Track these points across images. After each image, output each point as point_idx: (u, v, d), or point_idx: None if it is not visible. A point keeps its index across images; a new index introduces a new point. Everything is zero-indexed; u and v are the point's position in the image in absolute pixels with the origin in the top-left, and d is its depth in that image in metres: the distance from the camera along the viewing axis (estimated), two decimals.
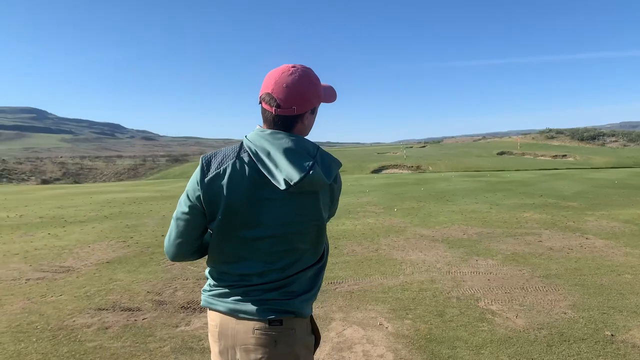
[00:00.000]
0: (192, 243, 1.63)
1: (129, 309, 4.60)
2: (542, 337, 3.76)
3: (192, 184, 1.57)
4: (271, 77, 1.58)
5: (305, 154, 1.52)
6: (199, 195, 1.54)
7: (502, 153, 75.85)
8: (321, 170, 1.53)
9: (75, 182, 60.63)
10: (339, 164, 1.63)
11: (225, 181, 1.52)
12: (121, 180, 64.65)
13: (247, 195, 1.52)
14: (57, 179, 69.28)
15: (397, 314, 4.35)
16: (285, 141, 1.53)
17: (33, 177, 69.60)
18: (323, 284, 5.23)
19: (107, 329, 4.10)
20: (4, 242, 8.33)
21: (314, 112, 1.65)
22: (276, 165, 1.49)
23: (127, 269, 6.16)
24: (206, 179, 1.54)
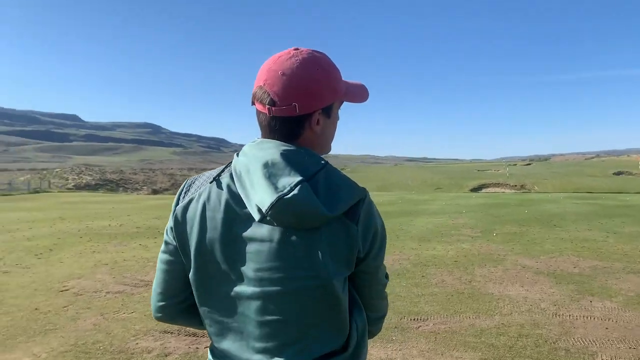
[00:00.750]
0: (174, 297, 1.17)
1: (194, 335, 4.35)
2: None
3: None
4: (265, 66, 1.11)
5: (294, 170, 1.02)
6: (172, 227, 1.12)
7: (619, 173, 69.08)
8: (317, 196, 1.00)
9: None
10: (359, 193, 1.06)
11: (197, 210, 1.09)
12: None
13: (223, 231, 1.06)
14: (166, 189, 74.37)
15: None
16: (271, 152, 1.04)
17: (145, 187, 75.44)
18: (405, 319, 4.63)
19: (166, 356, 3.86)
20: (99, 251, 8.68)
21: (329, 113, 1.14)
22: (252, 187, 1.03)
23: None
24: (177, 207, 1.12)
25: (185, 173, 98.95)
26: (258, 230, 1.03)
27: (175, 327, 4.56)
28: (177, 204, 1.13)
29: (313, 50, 1.12)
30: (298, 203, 0.97)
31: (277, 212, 0.99)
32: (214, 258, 1.06)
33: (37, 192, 36.91)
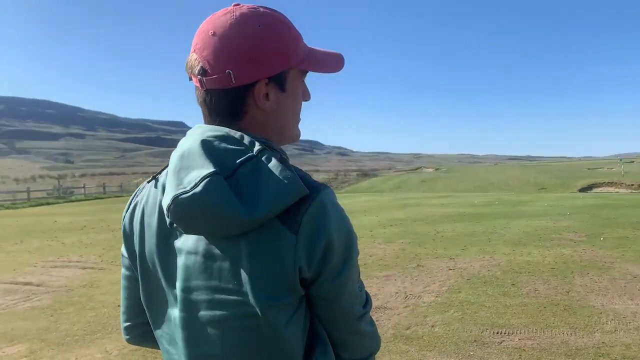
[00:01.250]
0: (137, 317, 0.99)
1: None
2: None
3: None
4: (198, 29, 0.89)
5: (210, 161, 0.78)
6: (122, 237, 0.96)
7: None
8: (238, 194, 0.76)
9: None
10: (297, 191, 0.77)
11: (138, 217, 0.91)
12: None
13: (158, 241, 0.87)
14: None
15: None
16: (193, 139, 0.82)
17: None
18: (486, 332, 4.20)
19: None
20: None
21: (283, 85, 0.89)
22: (168, 185, 0.82)
23: None
24: (125, 214, 0.96)
25: None
26: (186, 239, 0.83)
27: None
28: (126, 210, 0.96)
29: (259, 6, 0.88)
30: (200, 202, 0.75)
31: (176, 216, 0.78)
32: (156, 273, 0.88)
33: None
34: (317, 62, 0.93)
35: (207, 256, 0.80)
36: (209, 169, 0.77)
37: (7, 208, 22.63)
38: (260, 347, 0.80)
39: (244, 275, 0.77)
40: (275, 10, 0.89)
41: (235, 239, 0.77)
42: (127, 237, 0.94)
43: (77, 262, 8.26)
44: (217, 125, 0.86)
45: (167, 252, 0.86)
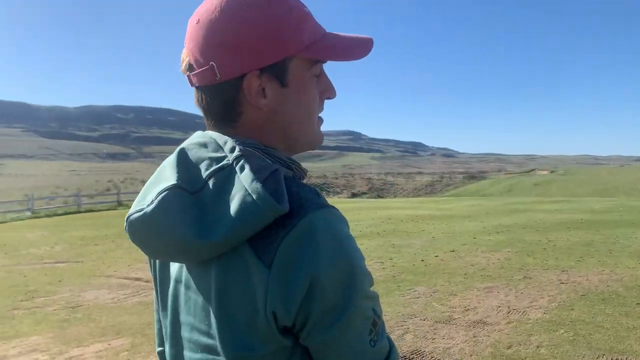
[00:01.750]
0: (162, 344, 0.90)
1: None
2: None
3: None
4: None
5: (177, 173, 0.66)
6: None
7: None
8: (204, 210, 0.63)
9: (379, 196, 66.57)
10: (269, 210, 0.60)
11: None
12: (419, 196, 67.59)
13: (159, 264, 0.80)
14: (364, 193, 77.36)
15: None
16: (178, 149, 0.71)
17: (345, 191, 79.75)
18: (602, 358, 3.73)
19: None
20: None
21: (283, 79, 0.72)
22: None
23: None
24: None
25: (382, 177, 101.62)
26: (173, 264, 0.74)
27: None
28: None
29: None
30: (149, 222, 0.64)
31: (131, 237, 0.68)
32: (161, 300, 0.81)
33: None
34: (328, 48, 0.75)
35: (187, 286, 0.70)
36: (171, 182, 0.65)
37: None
38: None
39: (212, 314, 0.65)
40: None
41: (208, 266, 0.65)
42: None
43: None
44: (212, 129, 0.75)
45: (163, 278, 0.78)
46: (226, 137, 0.70)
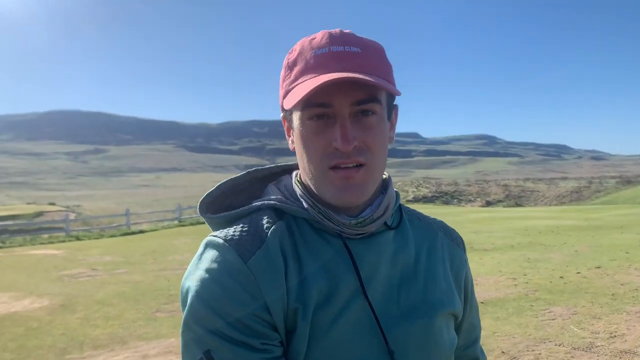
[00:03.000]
0: None
1: None
2: None
3: None
4: None
5: None
6: None
7: None
8: None
9: (517, 205, 62.15)
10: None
11: None
12: (563, 203, 61.77)
13: None
14: (500, 201, 72.63)
15: None
16: None
17: (479, 199, 75.55)
18: None
19: None
20: None
21: (291, 125, 0.81)
22: None
23: (498, 315, 5.39)
24: None
25: (521, 184, 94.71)
26: None
27: None
28: None
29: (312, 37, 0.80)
30: None
31: None
32: None
33: None
34: (287, 95, 0.78)
35: None
36: None
37: None
38: None
39: None
40: (306, 37, 0.79)
41: None
42: None
43: None
44: None
45: None
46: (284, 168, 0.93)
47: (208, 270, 0.71)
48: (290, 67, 0.77)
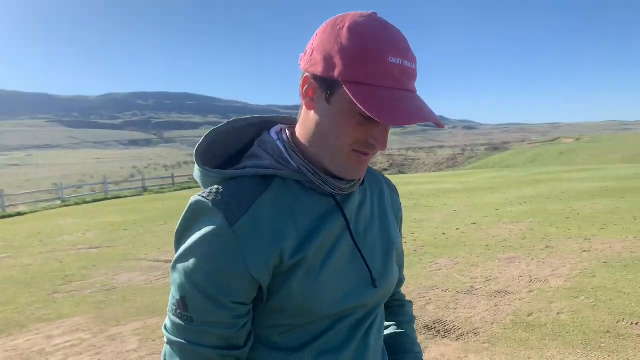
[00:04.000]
0: None
1: None
2: None
3: None
4: None
5: None
6: None
7: None
8: None
9: (400, 172, 66.07)
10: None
11: None
12: (440, 170, 66.94)
13: None
14: (385, 170, 76.77)
15: None
16: None
17: None
18: (622, 323, 3.81)
19: None
20: None
21: (328, 95, 0.80)
22: None
23: None
24: None
25: (404, 153, 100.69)
26: None
27: None
28: None
29: (373, 13, 0.81)
30: None
31: None
32: None
33: None
34: (368, 95, 0.76)
35: None
36: None
37: (156, 192, 25.38)
38: None
39: None
40: (376, 23, 0.78)
41: None
42: None
43: None
44: None
45: None
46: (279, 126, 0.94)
47: (197, 231, 0.80)
48: (371, 58, 0.76)
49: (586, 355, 3.36)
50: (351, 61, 0.76)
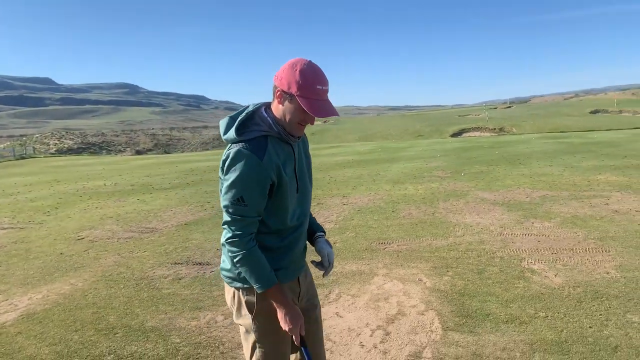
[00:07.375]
0: None
1: (200, 264, 5.26)
2: (575, 294, 3.89)
3: None
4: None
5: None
6: None
7: (595, 112, 70.39)
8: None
9: (165, 152, 64.89)
10: (227, 141, 1.77)
11: None
12: (207, 149, 68.09)
13: None
14: (149, 150, 74.29)
15: (438, 271, 4.62)
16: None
17: (128, 149, 75.32)
18: (373, 243, 5.59)
19: (180, 279, 4.77)
20: (101, 207, 9.48)
21: (284, 100, 1.75)
22: None
23: (202, 230, 6.90)
24: None
25: (168, 133, 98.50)
26: None
27: (184, 258, 5.47)
28: None
29: (310, 62, 1.74)
30: None
31: None
32: None
33: (23, 158, 37.08)
34: (308, 99, 1.68)
35: None
36: None
37: None
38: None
39: None
40: (312, 68, 1.69)
41: None
42: None
43: None
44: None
45: None
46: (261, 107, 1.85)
47: (244, 165, 1.65)
48: (309, 86, 1.67)
49: (355, 263, 5.01)
50: (300, 87, 1.69)
